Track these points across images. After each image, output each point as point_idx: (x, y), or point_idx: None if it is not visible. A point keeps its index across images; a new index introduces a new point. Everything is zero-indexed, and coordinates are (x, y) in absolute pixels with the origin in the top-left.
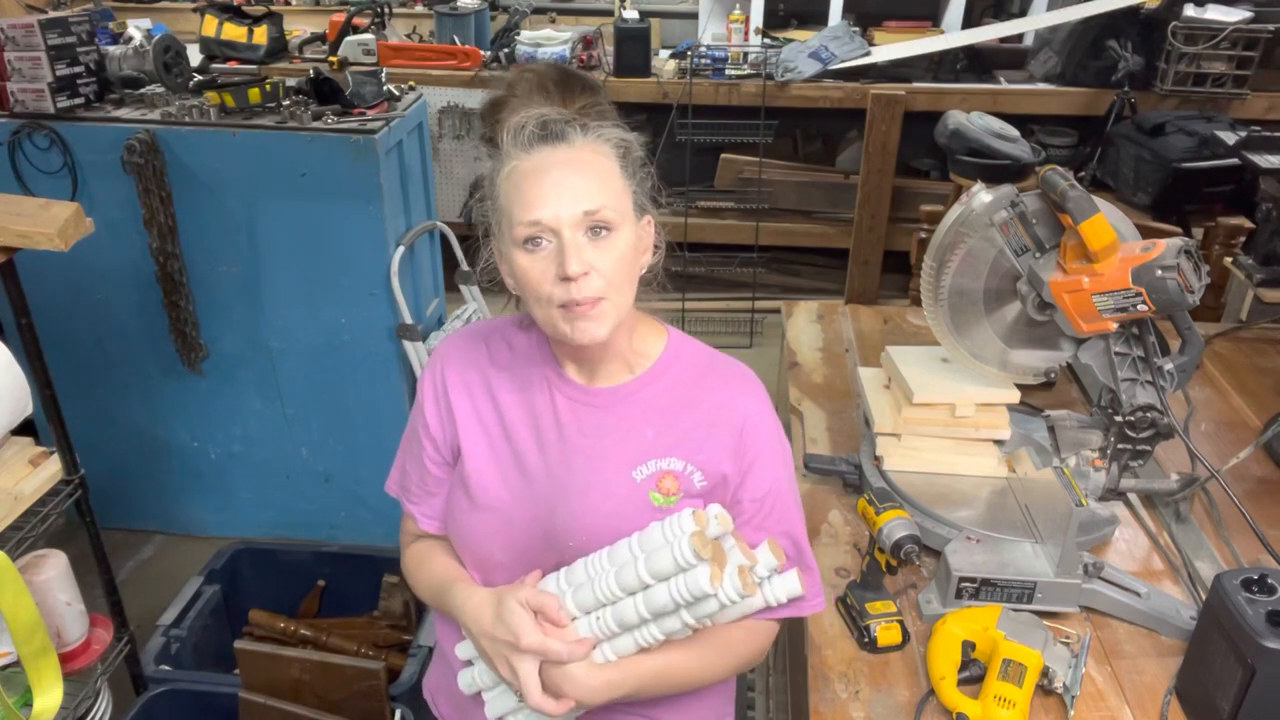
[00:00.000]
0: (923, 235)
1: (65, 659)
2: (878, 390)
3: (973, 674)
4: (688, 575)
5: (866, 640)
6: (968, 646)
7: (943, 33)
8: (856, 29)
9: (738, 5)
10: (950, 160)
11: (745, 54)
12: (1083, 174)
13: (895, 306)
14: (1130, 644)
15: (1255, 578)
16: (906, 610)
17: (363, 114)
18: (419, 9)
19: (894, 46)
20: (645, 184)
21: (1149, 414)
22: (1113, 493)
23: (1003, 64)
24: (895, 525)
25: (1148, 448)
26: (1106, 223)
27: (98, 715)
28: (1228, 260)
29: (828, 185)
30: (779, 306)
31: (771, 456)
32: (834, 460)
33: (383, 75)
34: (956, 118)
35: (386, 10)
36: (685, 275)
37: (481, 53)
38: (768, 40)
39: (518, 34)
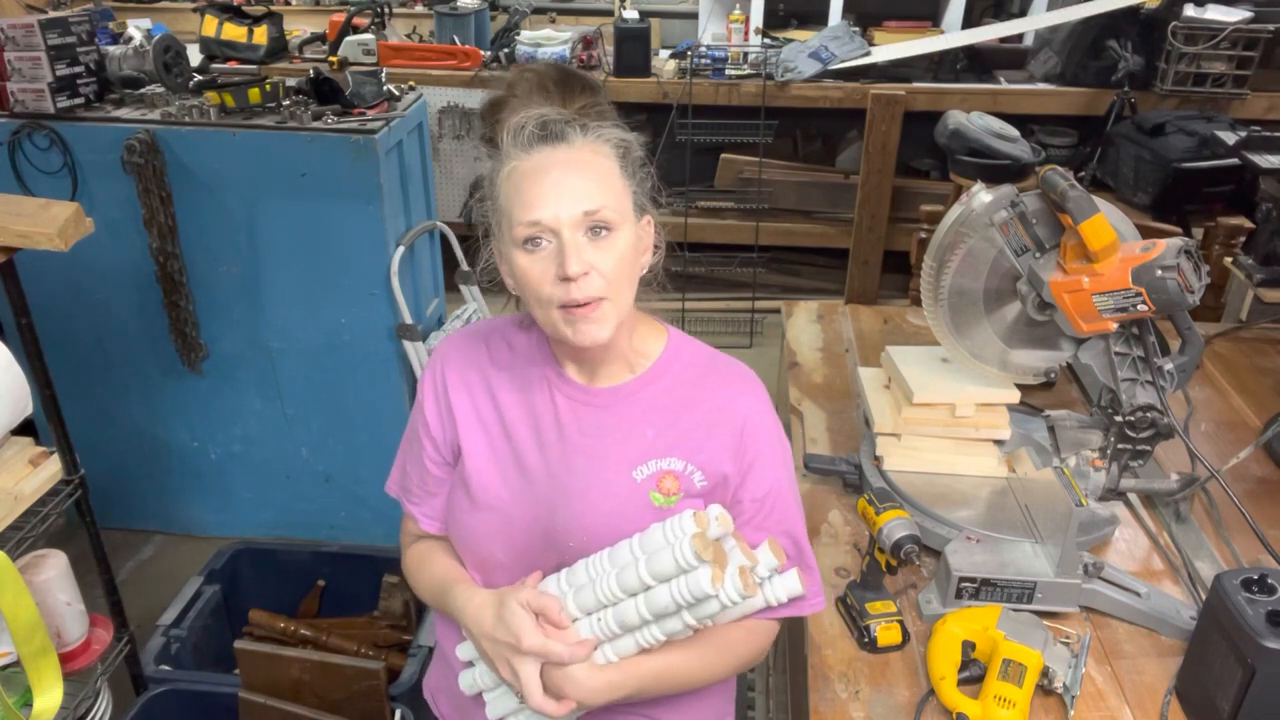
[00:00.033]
0: (923, 235)
1: (65, 659)
2: (878, 390)
3: (973, 674)
4: (689, 577)
5: (866, 640)
6: (968, 646)
7: (943, 33)
8: (856, 29)
9: (738, 5)
10: (950, 160)
11: (745, 54)
12: (1083, 174)
13: (895, 306)
14: (1130, 644)
15: (1255, 578)
16: (906, 610)
17: (363, 114)
18: (419, 9)
19: (894, 46)
20: (645, 184)
21: (1149, 414)
22: (1113, 493)
23: (1003, 64)
24: (895, 525)
25: (1148, 448)
26: (1106, 223)
27: (98, 715)
28: (1228, 260)
29: (828, 185)
30: (779, 306)
31: (772, 456)
32: (834, 460)
33: (383, 75)
34: (956, 118)
35: (386, 10)
36: (685, 275)
37: (481, 53)
38: (768, 40)
39: (518, 34)
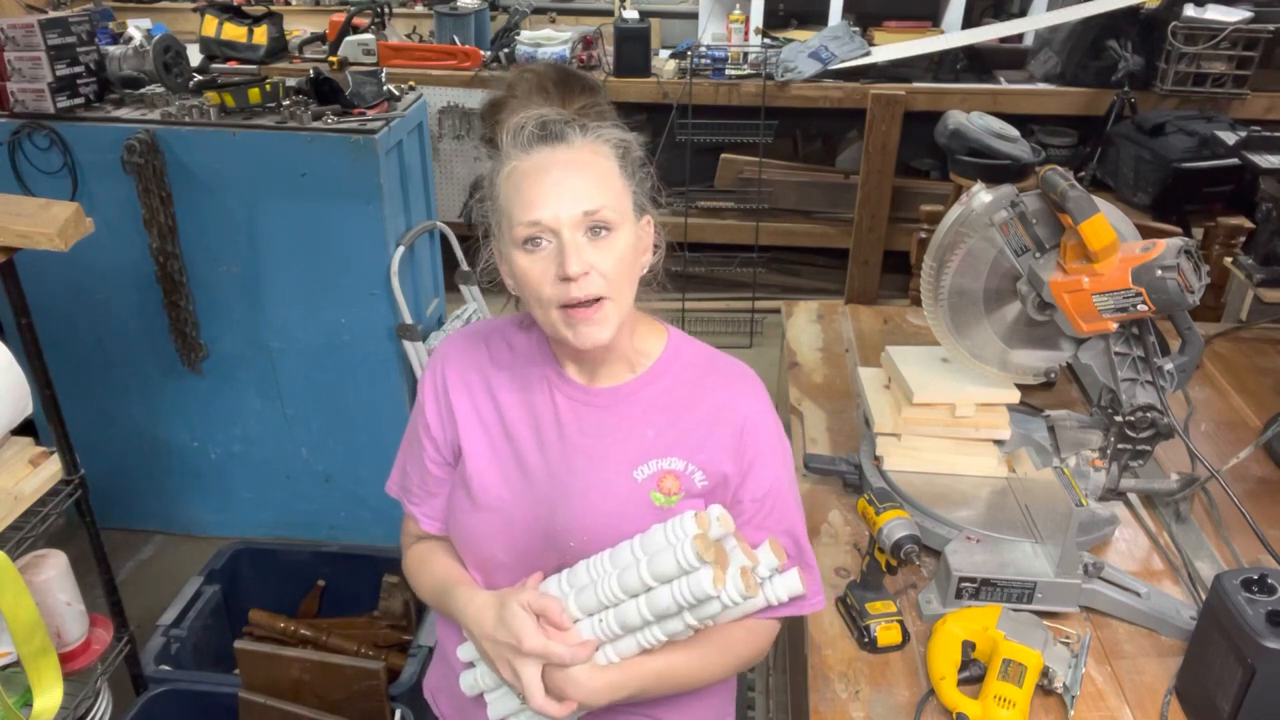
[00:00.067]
0: (923, 235)
1: (65, 659)
2: (878, 390)
3: (973, 674)
4: (690, 578)
5: (866, 640)
6: (968, 646)
7: (943, 33)
8: (856, 29)
9: (738, 5)
10: (950, 160)
11: (745, 54)
12: (1083, 174)
13: (895, 306)
14: (1130, 644)
15: (1255, 578)
16: (906, 610)
17: (363, 114)
18: (419, 9)
19: (894, 46)
20: (645, 184)
21: (1149, 414)
22: (1113, 493)
23: (1003, 64)
24: (895, 525)
25: (1148, 448)
26: (1106, 223)
27: (98, 715)
28: (1228, 260)
29: (828, 185)
30: (779, 306)
31: (772, 456)
32: (834, 460)
33: (383, 75)
34: (956, 118)
35: (386, 10)
36: (685, 275)
37: (481, 53)
38: (768, 40)
39: (518, 34)
